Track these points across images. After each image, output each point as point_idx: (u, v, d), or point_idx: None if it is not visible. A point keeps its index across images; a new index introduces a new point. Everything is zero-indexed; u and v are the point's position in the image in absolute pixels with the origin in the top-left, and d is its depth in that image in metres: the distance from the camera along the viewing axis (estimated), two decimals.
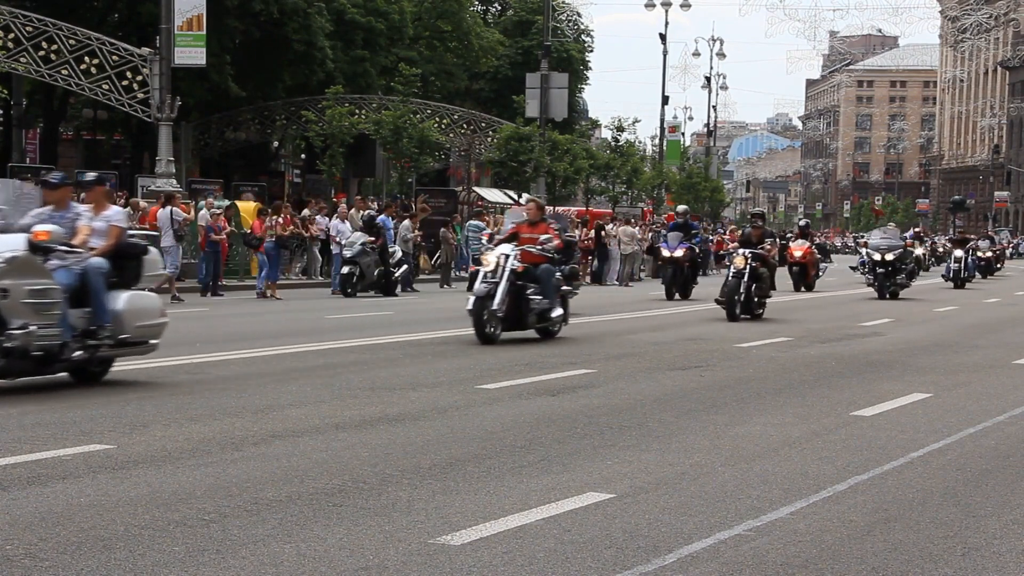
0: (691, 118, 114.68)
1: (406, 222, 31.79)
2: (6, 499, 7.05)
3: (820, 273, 38.00)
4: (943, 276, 41.47)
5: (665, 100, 66.11)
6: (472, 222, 36.07)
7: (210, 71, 39.33)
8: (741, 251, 22.74)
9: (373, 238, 28.49)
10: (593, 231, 37.81)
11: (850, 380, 13.72)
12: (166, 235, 25.04)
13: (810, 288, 35.44)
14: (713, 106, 78.43)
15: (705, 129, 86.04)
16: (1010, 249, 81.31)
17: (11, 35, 34.46)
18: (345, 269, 28.06)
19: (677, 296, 29.30)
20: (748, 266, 22.03)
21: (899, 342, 18.81)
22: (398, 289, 29.46)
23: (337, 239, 29.76)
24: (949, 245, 44.10)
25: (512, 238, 17.53)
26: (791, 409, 11.42)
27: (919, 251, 46.36)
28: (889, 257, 31.34)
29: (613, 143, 57.89)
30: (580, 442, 9.35)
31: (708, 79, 76.29)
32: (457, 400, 11.42)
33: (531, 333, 17.40)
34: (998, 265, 55.59)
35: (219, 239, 27.07)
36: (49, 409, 10.19)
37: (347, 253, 28.16)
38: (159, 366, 13.21)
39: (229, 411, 10.33)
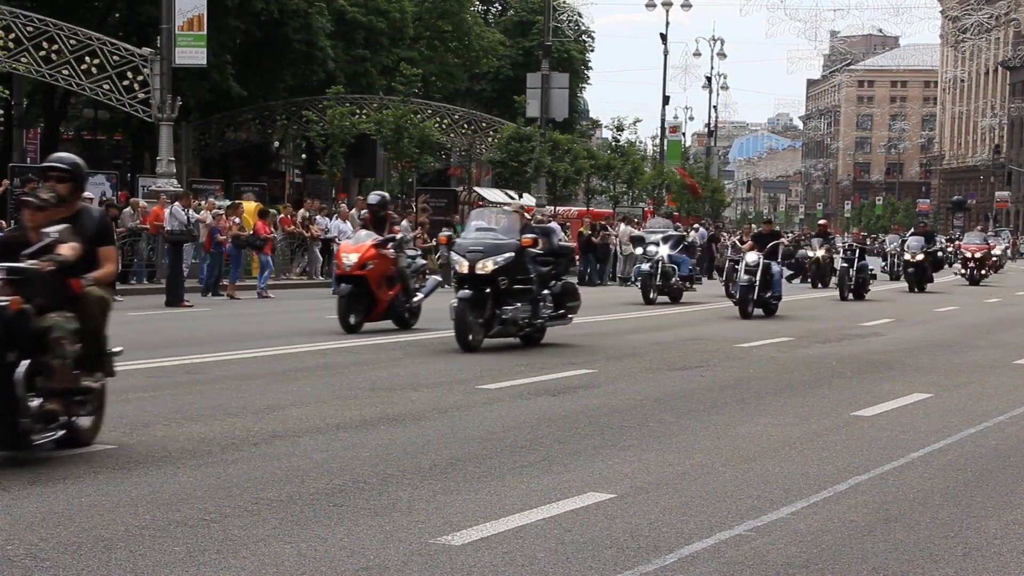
0: (692, 118, 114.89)
1: (405, 222, 31.77)
2: (7, 499, 7.05)
3: (421, 294, 18.89)
4: (729, 295, 25.12)
5: (666, 100, 66.08)
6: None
7: (211, 71, 39.32)
8: None
9: None
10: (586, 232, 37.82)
11: (850, 380, 13.72)
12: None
13: (401, 322, 18.43)
14: (714, 106, 78.47)
15: (706, 129, 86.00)
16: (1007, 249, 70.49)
17: (12, 35, 34.43)
18: None
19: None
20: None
21: (899, 342, 18.80)
22: None
23: (337, 239, 29.78)
24: (740, 245, 27.96)
25: None
26: (791, 409, 11.42)
27: (819, 252, 35.70)
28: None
29: (614, 143, 57.88)
30: (581, 442, 9.35)
31: (709, 79, 76.27)
32: (458, 400, 11.42)
33: None
34: (986, 271, 44.50)
35: (223, 239, 27.10)
36: None
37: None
38: (159, 366, 13.22)
39: (229, 411, 10.33)
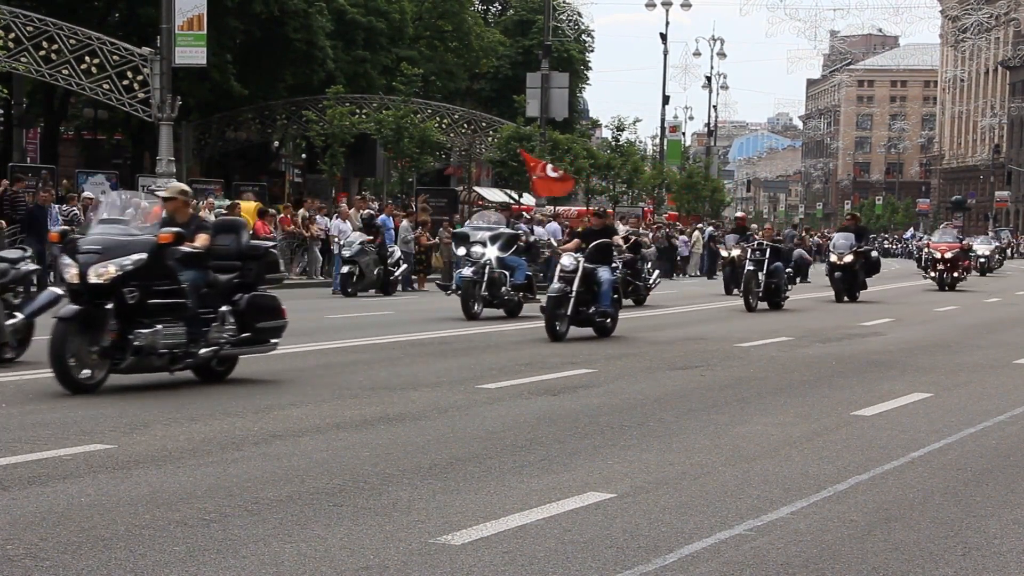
0: (692, 118, 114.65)
1: (405, 222, 31.80)
2: (7, 499, 7.05)
3: (22, 313, 13.20)
4: (542, 309, 18.39)
5: (666, 100, 65.97)
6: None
7: (211, 71, 39.35)
8: None
9: (371, 237, 28.53)
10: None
11: (850, 380, 13.72)
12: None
13: None
14: (714, 106, 78.36)
15: (706, 129, 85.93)
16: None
17: (12, 35, 34.46)
18: (345, 269, 28.09)
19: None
20: None
21: (899, 342, 18.80)
22: (399, 288, 29.50)
23: (337, 239, 29.84)
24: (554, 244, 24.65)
25: None
26: (792, 409, 11.42)
27: (734, 252, 29.82)
28: None
29: (613, 143, 57.87)
30: (581, 442, 9.35)
31: (709, 79, 76.21)
32: (458, 400, 11.42)
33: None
34: (960, 274, 36.84)
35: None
36: (50, 409, 10.19)
37: (346, 253, 28.14)
38: None
39: (229, 411, 10.33)
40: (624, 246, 20.43)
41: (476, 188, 63.28)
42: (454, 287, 22.15)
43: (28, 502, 6.99)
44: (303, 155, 59.91)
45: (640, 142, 68.89)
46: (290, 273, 32.09)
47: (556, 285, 17.72)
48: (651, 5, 61.36)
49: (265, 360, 14.26)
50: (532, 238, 23.79)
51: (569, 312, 17.48)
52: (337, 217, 32.03)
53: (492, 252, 21.30)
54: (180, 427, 9.47)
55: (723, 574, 6.03)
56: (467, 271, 21.25)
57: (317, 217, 32.66)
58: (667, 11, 61.43)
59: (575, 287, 17.54)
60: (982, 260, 50.35)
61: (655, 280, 27.27)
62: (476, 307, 21.03)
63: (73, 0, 41.73)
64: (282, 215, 32.11)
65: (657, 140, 74.64)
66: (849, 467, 8.61)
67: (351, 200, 37.12)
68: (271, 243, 15.07)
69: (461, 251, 22.00)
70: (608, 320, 18.14)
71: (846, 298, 28.79)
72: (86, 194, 30.15)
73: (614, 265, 18.74)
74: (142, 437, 9.02)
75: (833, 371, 14.64)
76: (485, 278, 21.04)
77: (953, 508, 7.55)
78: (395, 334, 17.82)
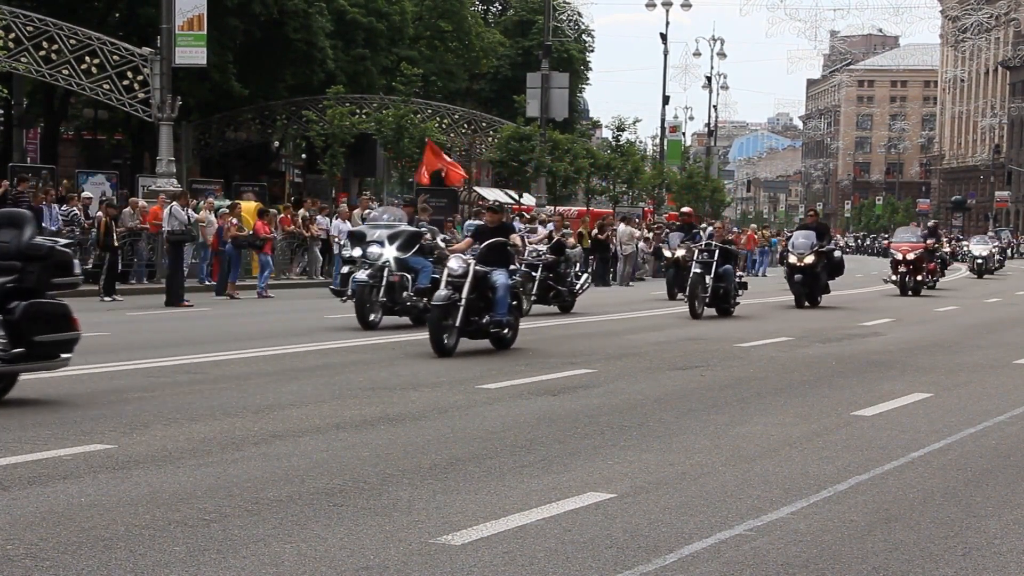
0: (692, 118, 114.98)
1: None
2: (7, 499, 7.05)
3: None
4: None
5: (666, 100, 66.00)
6: (472, 222, 36.03)
7: (211, 71, 39.36)
8: None
9: None
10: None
11: (850, 380, 13.72)
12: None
13: None
14: (714, 106, 78.39)
15: (706, 129, 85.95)
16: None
17: (12, 35, 34.44)
18: (345, 269, 28.07)
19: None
20: None
21: (899, 342, 18.80)
22: None
23: (337, 239, 29.86)
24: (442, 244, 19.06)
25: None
26: (791, 409, 11.42)
27: (679, 252, 26.62)
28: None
29: (614, 143, 57.87)
30: (580, 442, 9.35)
31: (709, 79, 76.20)
32: (458, 400, 11.42)
33: None
34: (924, 278, 32.77)
35: (229, 237, 27.15)
36: (50, 409, 10.19)
37: (346, 253, 28.10)
38: (159, 366, 13.23)
39: (229, 411, 10.33)
40: (522, 246, 17.86)
41: (476, 188, 63.29)
42: (349, 292, 19.40)
43: (28, 502, 6.99)
44: (303, 155, 59.91)
45: (640, 142, 68.86)
46: (290, 273, 32.15)
47: (442, 292, 15.23)
48: (651, 5, 61.38)
49: (264, 360, 14.28)
50: (440, 236, 20.44)
51: (458, 323, 15.16)
52: (337, 217, 32.03)
53: (391, 253, 18.71)
54: (180, 427, 9.47)
55: (723, 574, 6.03)
56: (362, 275, 18.65)
57: (317, 217, 32.67)
58: (667, 11, 61.48)
59: (465, 294, 15.22)
60: (979, 261, 50.29)
61: (584, 284, 24.50)
62: (373, 315, 18.57)
63: (73, 0, 41.73)
64: (282, 215, 32.11)
65: (657, 140, 74.65)
66: (849, 467, 8.61)
67: (352, 201, 37.11)
68: (64, 241, 12.10)
69: (356, 252, 19.44)
70: (506, 331, 15.88)
71: (807, 303, 26.10)
72: (85, 194, 30.17)
73: (512, 268, 16.34)
74: (142, 437, 9.02)
75: (833, 371, 14.64)
76: (383, 282, 18.55)
77: (953, 508, 7.55)
78: (395, 334, 17.80)
